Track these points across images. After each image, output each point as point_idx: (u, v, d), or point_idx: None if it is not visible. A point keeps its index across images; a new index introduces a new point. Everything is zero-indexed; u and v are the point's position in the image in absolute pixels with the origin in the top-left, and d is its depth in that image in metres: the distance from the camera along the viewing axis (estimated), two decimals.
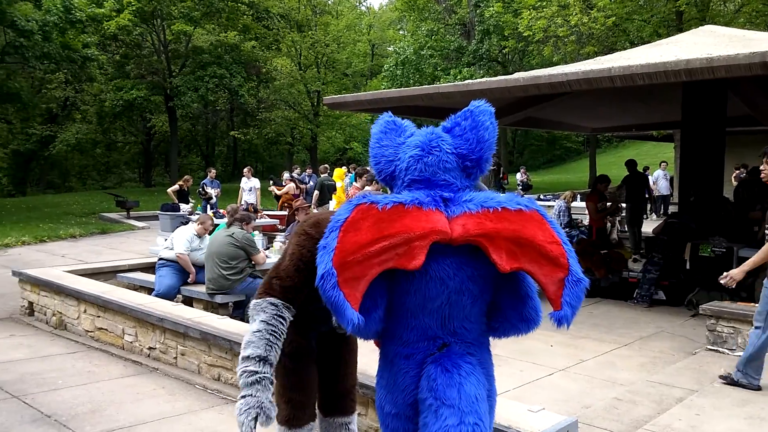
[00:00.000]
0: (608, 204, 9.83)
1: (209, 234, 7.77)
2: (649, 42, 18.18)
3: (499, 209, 2.13)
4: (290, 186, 15.52)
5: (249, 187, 15.81)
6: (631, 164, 12.13)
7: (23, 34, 19.31)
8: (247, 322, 6.09)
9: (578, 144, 51.06)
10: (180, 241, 7.47)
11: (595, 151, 33.27)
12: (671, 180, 22.68)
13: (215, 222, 11.15)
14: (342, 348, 3.08)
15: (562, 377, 5.46)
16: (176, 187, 14.81)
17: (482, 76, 23.07)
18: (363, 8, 50.41)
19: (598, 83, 6.58)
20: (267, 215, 14.29)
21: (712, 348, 5.93)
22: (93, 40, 23.68)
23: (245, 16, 30.86)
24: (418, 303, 2.20)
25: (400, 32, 43.98)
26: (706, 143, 8.67)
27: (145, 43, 31.20)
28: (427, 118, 10.81)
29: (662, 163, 21.48)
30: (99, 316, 6.48)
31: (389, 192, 2.36)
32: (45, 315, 7.31)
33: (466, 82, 8.58)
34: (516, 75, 8.35)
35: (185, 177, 15.93)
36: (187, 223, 9.25)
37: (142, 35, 29.86)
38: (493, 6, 23.02)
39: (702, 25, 17.21)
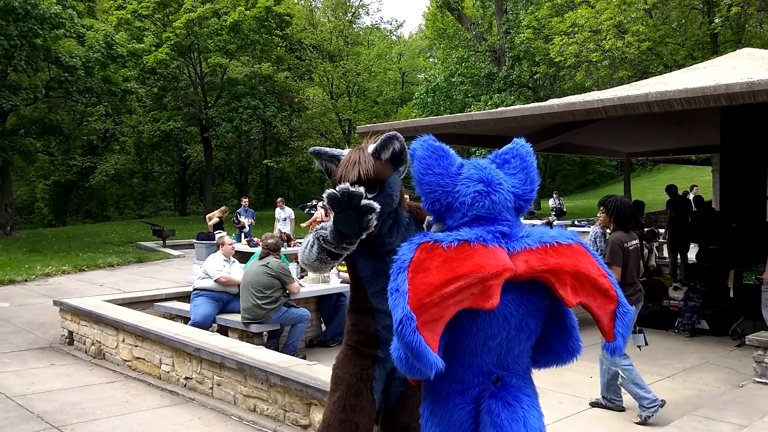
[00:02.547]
0: (645, 230, 9.64)
1: (243, 265, 7.84)
2: (683, 65, 18.01)
3: (555, 244, 2.15)
4: (319, 213, 15.58)
5: (283, 217, 15.96)
6: (672, 189, 11.91)
7: (67, 69, 19.95)
8: (280, 350, 6.06)
9: (611, 168, 50.42)
10: (213, 267, 7.58)
11: (630, 176, 32.81)
12: (709, 204, 22.27)
13: (251, 250, 11.29)
14: (414, 396, 2.96)
15: (603, 410, 5.32)
16: (216, 219, 15.02)
17: (513, 102, 23.07)
18: (393, 37, 50.96)
19: (635, 109, 6.50)
20: (299, 243, 14.34)
21: (760, 380, 5.71)
22: (133, 74, 24.32)
23: (279, 48, 31.42)
24: (480, 341, 2.17)
25: (430, 60, 44.31)
26: (746, 168, 8.50)
27: (182, 76, 31.93)
28: (460, 145, 10.81)
29: (693, 187, 21.05)
30: (137, 346, 6.54)
31: (437, 223, 2.33)
32: (84, 344, 7.42)
33: (500, 109, 8.57)
34: (550, 102, 8.31)
35: (222, 208, 16.16)
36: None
37: (179, 68, 30.56)
38: (523, 33, 23.04)
39: (738, 47, 16.98)
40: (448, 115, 11.22)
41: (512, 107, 8.79)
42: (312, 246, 2.69)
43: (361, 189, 2.50)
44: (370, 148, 2.81)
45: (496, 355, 2.21)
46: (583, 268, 2.14)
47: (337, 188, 2.50)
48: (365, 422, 2.87)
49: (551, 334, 2.30)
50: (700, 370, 6.42)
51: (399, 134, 2.85)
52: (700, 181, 23.79)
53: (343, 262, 2.94)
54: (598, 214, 5.82)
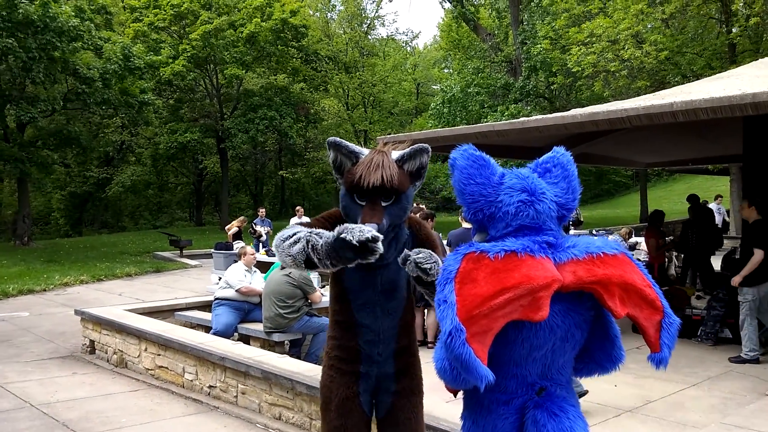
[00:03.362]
0: (668, 239, 9.56)
1: (264, 275, 7.85)
2: (701, 75, 17.90)
3: (602, 255, 2.12)
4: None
5: None
6: (693, 199, 11.79)
7: (85, 81, 20.15)
8: (304, 359, 6.02)
9: (627, 178, 50.17)
10: (235, 277, 7.59)
11: (646, 186, 32.60)
12: (727, 213, 22.07)
13: (271, 260, 11.30)
14: (405, 408, 2.90)
15: (631, 419, 5.25)
16: (235, 229, 15.07)
17: (529, 113, 23.01)
18: (408, 48, 51.14)
19: (660, 118, 6.44)
20: None
21: None
22: (149, 86, 24.51)
23: (294, 59, 31.60)
24: (525, 353, 2.15)
25: (445, 71, 44.38)
26: None
27: (198, 88, 32.17)
28: None
29: (717, 197, 20.88)
30: (160, 355, 6.54)
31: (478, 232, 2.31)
32: (106, 353, 7.43)
33: (522, 119, 8.55)
34: (573, 111, 8.28)
35: (241, 218, 16.21)
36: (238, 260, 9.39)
37: (196, 80, 30.79)
38: (540, 43, 23.02)
39: (756, 57, 16.85)
40: (470, 125, 11.22)
41: (534, 117, 8.76)
42: (295, 243, 2.50)
43: (379, 235, 2.38)
44: (395, 154, 2.68)
45: (541, 365, 2.19)
46: (629, 279, 2.12)
47: (359, 233, 2.35)
48: None
49: (595, 345, 2.28)
50: (725, 378, 6.33)
51: (429, 147, 2.77)
52: (716, 191, 23.57)
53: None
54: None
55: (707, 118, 6.15)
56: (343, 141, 2.74)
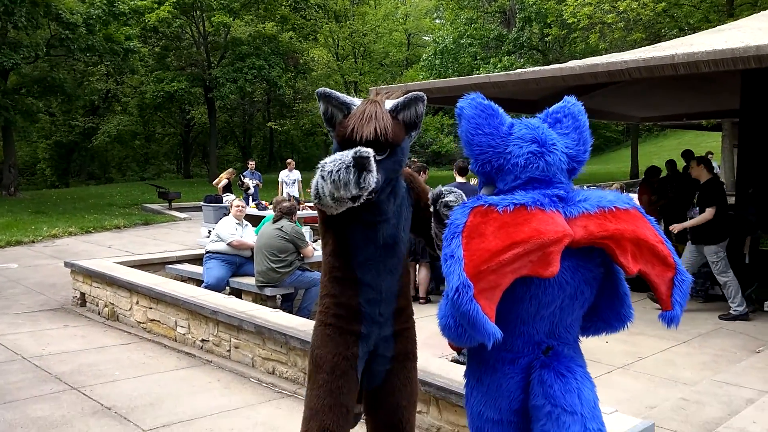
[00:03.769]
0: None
1: (255, 228, 7.77)
2: (698, 28, 17.65)
3: (613, 209, 2.04)
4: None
5: (292, 179, 15.82)
6: (688, 155, 11.73)
7: (68, 26, 19.60)
8: (295, 314, 5.95)
9: (617, 134, 50.05)
10: (226, 231, 7.51)
11: (637, 141, 32.51)
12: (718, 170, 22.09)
13: (261, 214, 11.21)
14: (400, 374, 2.78)
15: (622, 375, 5.30)
16: (225, 182, 14.88)
17: (522, 65, 22.69)
18: None
19: (660, 71, 6.32)
20: (309, 206, 14.27)
21: None
22: (135, 33, 23.90)
23: (283, 7, 30.87)
24: (532, 310, 2.09)
25: (437, 21, 43.58)
26: (766, 133, 8.32)
27: (184, 35, 31.44)
28: None
29: (708, 154, 20.86)
30: (151, 308, 6.50)
31: (485, 185, 2.23)
32: (97, 306, 7.38)
33: (518, 71, 8.38)
34: (571, 63, 8.11)
35: (229, 170, 16.01)
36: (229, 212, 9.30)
37: (182, 27, 30.07)
38: None
39: (755, 10, 16.61)
40: (465, 77, 11.02)
41: (531, 69, 8.58)
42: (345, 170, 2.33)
43: (371, 152, 2.30)
44: (389, 104, 2.52)
45: (548, 324, 2.13)
46: (642, 234, 2.05)
47: (347, 153, 2.29)
48: (352, 405, 2.71)
49: (604, 303, 2.22)
50: (716, 336, 6.39)
51: (425, 96, 2.62)
52: (707, 147, 23.53)
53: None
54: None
55: (709, 70, 6.04)
56: (334, 92, 2.57)
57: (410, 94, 2.58)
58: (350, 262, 2.64)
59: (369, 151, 2.30)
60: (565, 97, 2.34)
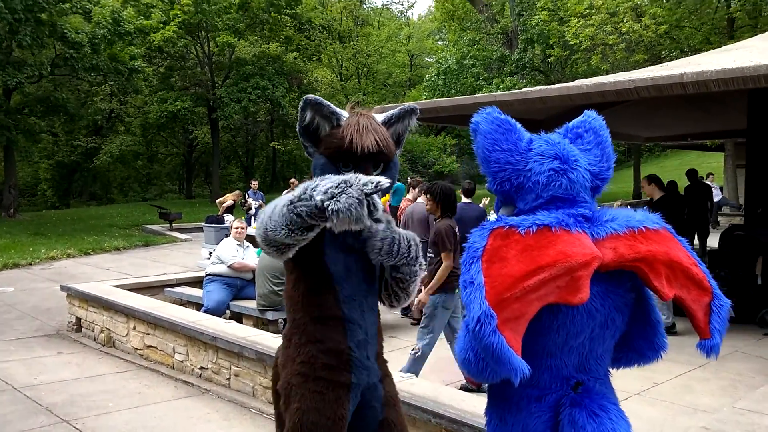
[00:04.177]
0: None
1: (257, 249, 7.61)
2: (699, 50, 17.63)
3: (643, 229, 1.89)
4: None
5: None
6: (692, 174, 11.60)
7: (73, 46, 19.59)
8: None
9: (620, 154, 49.98)
10: (227, 253, 7.36)
11: (639, 161, 32.41)
12: (720, 190, 21.90)
13: None
14: (397, 421, 2.41)
15: (639, 402, 5.10)
16: (230, 203, 14.74)
17: (525, 86, 22.64)
18: (403, 19, 50.39)
19: (669, 90, 6.20)
20: None
21: None
22: (140, 52, 23.91)
23: (288, 28, 30.97)
24: (560, 341, 1.91)
25: (439, 43, 43.78)
26: None
27: (189, 55, 31.52)
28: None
29: (709, 175, 20.74)
30: (149, 333, 6.31)
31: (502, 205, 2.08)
32: (93, 331, 7.19)
33: (524, 90, 8.26)
34: (578, 82, 8.00)
35: (236, 191, 15.88)
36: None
37: (187, 47, 30.14)
38: (538, 14, 22.60)
39: (755, 32, 16.57)
40: (471, 96, 10.91)
41: (538, 88, 8.48)
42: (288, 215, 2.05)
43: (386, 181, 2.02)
44: (380, 117, 2.33)
45: (578, 356, 1.95)
46: (675, 256, 1.89)
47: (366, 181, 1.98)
48: None
49: (635, 331, 2.05)
50: (731, 360, 6.20)
51: (418, 108, 2.47)
52: (708, 168, 23.41)
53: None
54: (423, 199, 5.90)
55: (718, 89, 5.91)
56: (325, 101, 2.29)
57: (404, 105, 2.43)
58: (336, 297, 2.29)
59: (382, 180, 2.02)
60: (585, 111, 2.20)
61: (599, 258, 1.81)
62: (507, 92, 9.68)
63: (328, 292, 2.28)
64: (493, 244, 1.81)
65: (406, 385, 4.16)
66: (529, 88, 8.64)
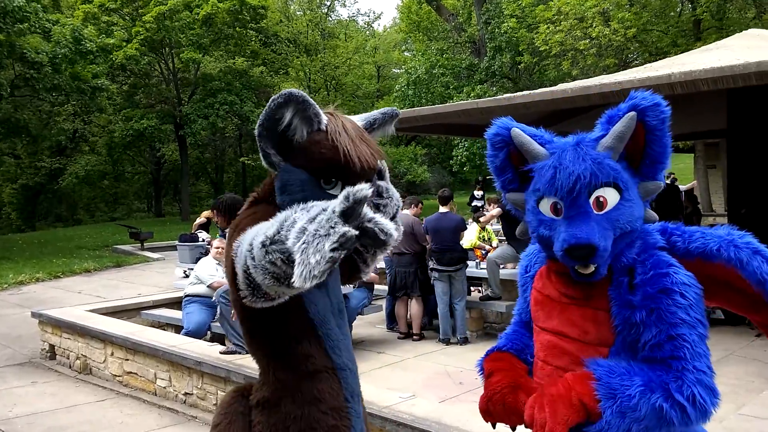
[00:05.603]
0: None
1: None
2: (667, 53, 17.85)
3: None
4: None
5: None
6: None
7: (33, 66, 19.10)
8: None
9: None
10: (205, 272, 7.06)
11: None
12: (691, 191, 22.18)
13: None
14: None
15: None
16: (204, 220, 14.37)
17: (495, 93, 22.68)
18: (368, 31, 50.44)
19: (657, 91, 6.04)
20: None
21: None
22: (102, 70, 23.41)
23: (253, 42, 30.68)
24: None
25: (406, 53, 43.85)
26: (756, 152, 8.18)
27: (153, 72, 31.00)
28: (460, 136, 10.39)
29: (671, 175, 20.97)
30: (128, 359, 5.99)
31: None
32: (68, 359, 6.83)
33: (507, 96, 8.16)
34: (562, 86, 7.92)
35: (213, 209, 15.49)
36: (206, 253, 8.85)
37: (151, 64, 29.65)
38: (507, 22, 22.70)
39: (721, 33, 16.84)
40: (452, 104, 10.80)
41: (521, 93, 8.38)
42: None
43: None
44: (358, 119, 2.00)
45: None
46: None
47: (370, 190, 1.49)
48: None
49: None
50: (727, 363, 6.10)
51: (398, 111, 2.18)
52: (677, 169, 23.69)
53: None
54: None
55: (708, 89, 5.85)
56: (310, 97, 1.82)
57: (386, 109, 2.12)
58: (322, 344, 1.93)
59: (389, 228, 1.54)
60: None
61: None
62: (491, 98, 9.60)
63: (316, 340, 1.92)
64: None
65: (406, 407, 3.98)
66: (512, 94, 8.55)
